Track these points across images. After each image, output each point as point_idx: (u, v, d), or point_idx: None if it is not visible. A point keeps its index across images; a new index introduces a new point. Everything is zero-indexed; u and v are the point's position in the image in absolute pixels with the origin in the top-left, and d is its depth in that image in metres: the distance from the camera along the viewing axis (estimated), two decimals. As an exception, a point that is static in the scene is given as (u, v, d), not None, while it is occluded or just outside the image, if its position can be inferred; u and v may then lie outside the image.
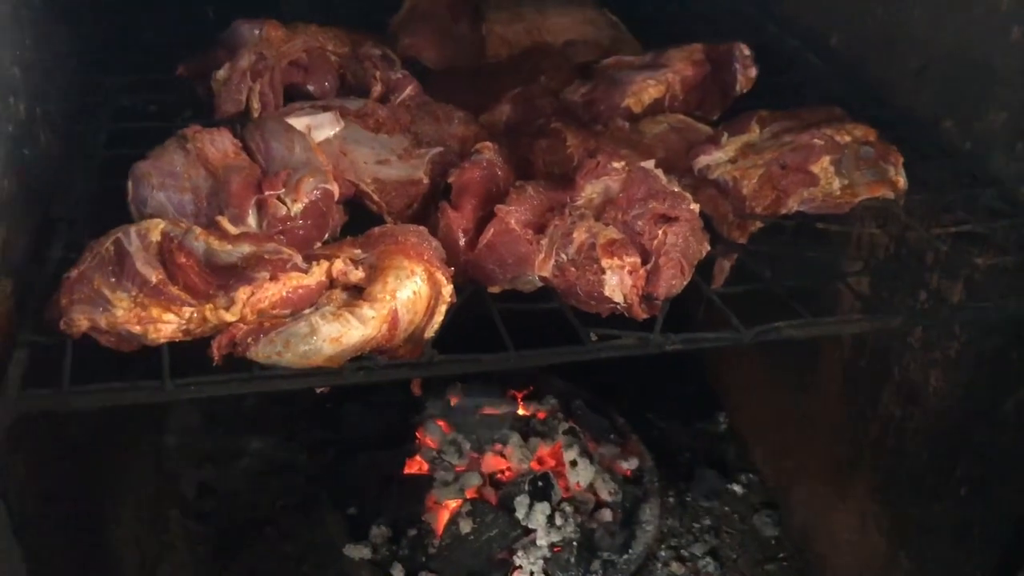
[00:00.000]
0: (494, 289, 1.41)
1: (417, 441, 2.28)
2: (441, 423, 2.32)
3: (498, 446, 2.25)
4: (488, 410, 2.36)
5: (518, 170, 1.59)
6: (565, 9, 2.11)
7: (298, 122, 1.60)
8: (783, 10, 2.32)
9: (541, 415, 2.38)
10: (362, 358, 1.23)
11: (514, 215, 1.38)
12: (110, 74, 1.95)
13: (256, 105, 1.77)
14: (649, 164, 1.47)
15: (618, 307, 1.36)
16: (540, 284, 1.41)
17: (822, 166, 1.60)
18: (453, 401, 2.37)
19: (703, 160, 1.66)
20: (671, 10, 2.43)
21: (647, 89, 1.79)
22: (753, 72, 1.93)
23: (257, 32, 1.81)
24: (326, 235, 1.45)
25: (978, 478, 1.78)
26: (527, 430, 2.32)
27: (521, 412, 2.39)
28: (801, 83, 2.12)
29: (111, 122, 1.79)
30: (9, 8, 1.52)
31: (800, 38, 2.25)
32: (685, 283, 1.38)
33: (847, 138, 1.64)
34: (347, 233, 1.52)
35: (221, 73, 1.77)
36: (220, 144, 1.47)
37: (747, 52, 1.93)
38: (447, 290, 1.26)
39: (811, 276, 1.63)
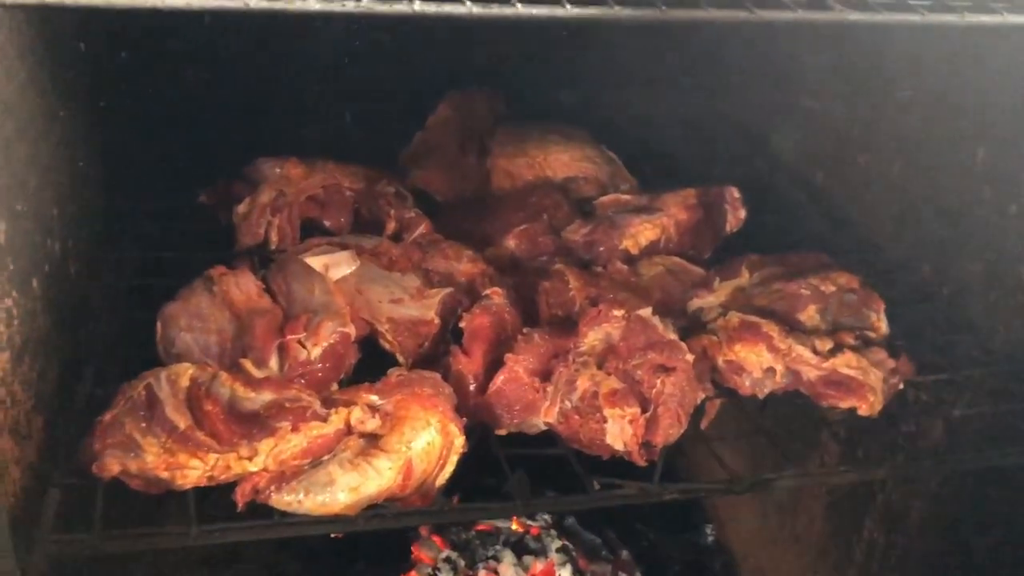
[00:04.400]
0: (501, 431, 1.49)
1: (413, 556, 2.32)
2: (436, 539, 2.36)
3: (492, 563, 2.30)
4: (483, 526, 2.40)
5: (523, 309, 1.68)
6: (566, 146, 2.23)
7: (317, 261, 1.69)
8: (772, 148, 2.46)
9: (534, 531, 2.43)
10: (376, 505, 1.30)
11: (522, 364, 1.46)
12: (132, 199, 2.04)
13: (275, 238, 1.87)
14: (647, 312, 1.56)
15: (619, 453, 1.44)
16: (545, 428, 1.49)
17: (808, 314, 1.70)
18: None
19: (696, 303, 1.76)
20: (665, 146, 2.56)
21: (644, 232, 1.91)
22: (742, 214, 2.05)
23: (278, 169, 1.92)
24: (342, 375, 1.53)
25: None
26: (521, 547, 2.37)
27: (515, 528, 2.43)
28: (788, 220, 2.24)
29: (133, 250, 1.88)
30: (51, 147, 1.62)
31: (789, 175, 2.38)
32: (682, 431, 1.46)
33: (832, 287, 1.74)
34: (359, 370, 1.61)
35: (242, 208, 1.87)
36: (244, 286, 1.56)
37: (736, 195, 2.05)
38: (459, 441, 1.34)
39: (797, 420, 1.71)
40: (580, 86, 2.68)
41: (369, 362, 1.62)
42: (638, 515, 2.75)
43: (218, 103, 2.29)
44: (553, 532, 2.42)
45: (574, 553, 2.38)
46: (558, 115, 2.44)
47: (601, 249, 1.88)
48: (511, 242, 1.93)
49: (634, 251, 1.89)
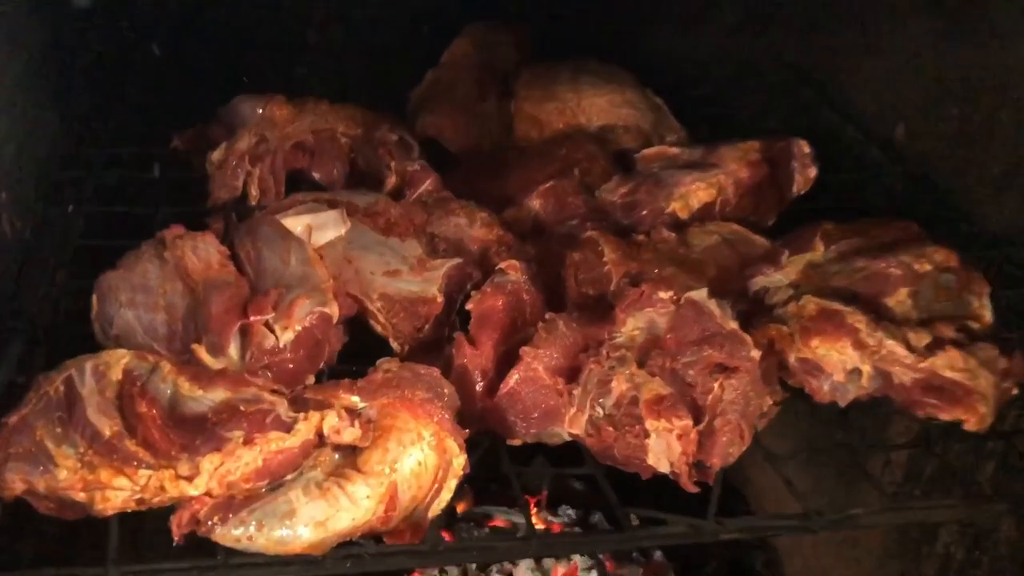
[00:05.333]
0: (514, 441, 1.19)
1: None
2: (445, 534, 2.09)
3: (507, 566, 2.02)
4: (498, 521, 2.13)
5: (547, 287, 1.38)
6: (603, 88, 1.90)
7: (298, 221, 1.39)
8: (843, 95, 2.11)
9: (556, 528, 2.15)
10: (351, 543, 1.01)
11: (542, 359, 1.16)
12: (96, 144, 1.75)
13: (255, 192, 1.57)
14: (702, 295, 1.25)
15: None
16: (569, 439, 1.19)
17: (898, 299, 1.38)
18: (460, 508, 2.14)
19: (760, 282, 1.44)
20: (719, 92, 2.23)
21: (696, 193, 1.58)
22: (813, 172, 1.72)
23: (260, 110, 1.62)
24: (321, 365, 1.24)
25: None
26: (541, 546, 2.09)
27: (535, 524, 2.16)
28: (861, 182, 1.91)
29: (91, 204, 1.59)
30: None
31: (862, 128, 2.04)
32: (744, 448, 1.16)
33: (927, 266, 1.41)
34: (352, 356, 1.32)
35: (216, 155, 1.58)
36: (204, 252, 1.27)
37: (807, 150, 1.72)
38: (459, 461, 1.05)
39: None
40: (616, 21, 2.34)
41: (364, 347, 1.33)
42: (671, 500, 2.46)
43: (201, 33, 1.98)
44: (578, 530, 2.14)
45: (601, 556, 2.09)
46: (593, 54, 2.10)
47: (644, 212, 1.56)
48: (535, 202, 1.61)
49: (683, 215, 1.57)
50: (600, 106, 1.87)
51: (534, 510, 2.18)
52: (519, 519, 2.16)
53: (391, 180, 1.56)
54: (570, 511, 2.21)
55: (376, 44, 2.10)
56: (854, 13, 2.05)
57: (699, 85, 2.31)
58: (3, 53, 1.44)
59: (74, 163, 1.68)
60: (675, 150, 1.74)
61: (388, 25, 2.12)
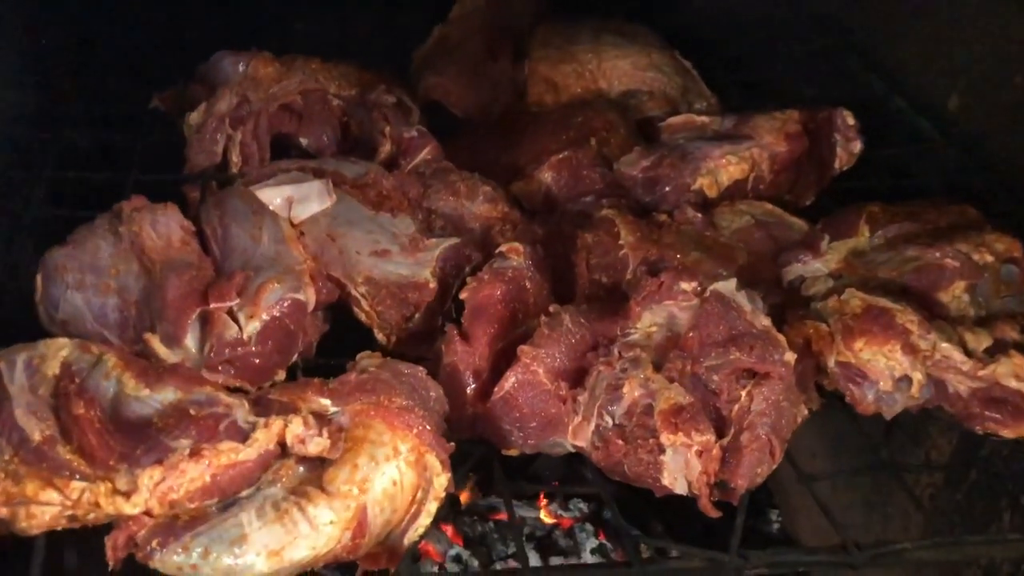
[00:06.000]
0: (510, 452, 1.05)
1: (418, 548, 1.92)
2: (447, 528, 1.96)
3: (512, 563, 1.89)
4: (504, 515, 1.99)
5: (555, 272, 1.22)
6: (626, 50, 1.73)
7: (277, 192, 1.24)
8: (890, 63, 1.92)
9: (566, 523, 2.01)
10: (312, 573, 0.87)
11: (543, 360, 1.01)
12: (68, 101, 1.60)
13: (236, 159, 1.42)
14: (730, 287, 1.09)
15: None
16: (572, 449, 1.04)
17: (954, 294, 1.21)
18: (463, 499, 2.01)
19: (797, 270, 1.28)
20: (753, 55, 2.04)
21: (727, 168, 1.42)
22: (857, 147, 1.55)
23: (243, 68, 1.46)
24: (293, 358, 1.10)
25: None
26: (548, 543, 1.95)
27: (543, 518, 2.02)
28: (910, 157, 1.73)
29: (55, 169, 1.45)
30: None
31: (910, 98, 1.85)
32: (774, 467, 1.00)
33: (987, 256, 1.24)
34: (329, 345, 1.18)
35: (194, 117, 1.42)
36: (163, 227, 1.13)
37: (851, 121, 1.54)
38: (440, 481, 0.90)
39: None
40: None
41: (348, 333, 1.19)
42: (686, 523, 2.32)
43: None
44: (589, 527, 2.00)
45: (613, 555, 1.96)
46: (614, 10, 1.92)
47: (667, 189, 1.40)
48: (546, 174, 1.46)
49: (712, 193, 1.40)
50: (623, 69, 1.70)
51: (543, 503, 2.04)
52: (527, 512, 2.02)
53: (385, 147, 1.41)
54: (581, 504, 2.07)
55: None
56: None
57: (730, 46, 2.12)
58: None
59: (42, 122, 1.53)
60: (704, 119, 1.57)
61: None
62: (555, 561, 1.93)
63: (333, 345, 1.20)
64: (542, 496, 2.08)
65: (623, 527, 0.96)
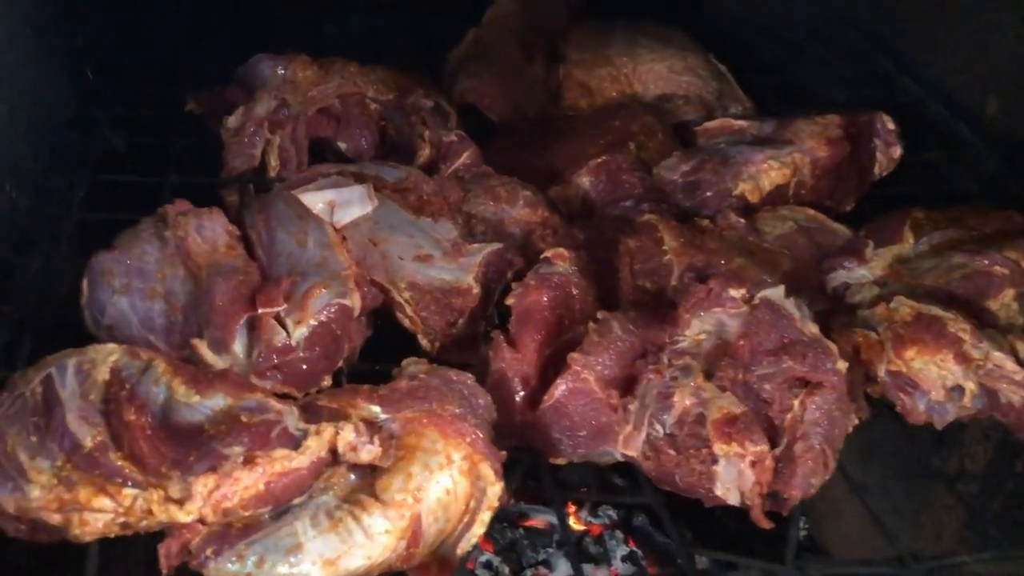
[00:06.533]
0: (558, 460, 1.04)
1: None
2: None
3: (543, 570, 1.88)
4: (534, 521, 1.98)
5: (597, 277, 1.21)
6: (661, 53, 1.72)
7: (319, 197, 1.24)
8: (926, 65, 1.90)
9: (596, 530, 1.99)
10: (368, 582, 0.86)
11: (593, 368, 1.00)
12: (104, 105, 1.60)
13: (274, 162, 1.42)
14: (778, 293, 1.08)
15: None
16: (621, 458, 1.03)
17: (1003, 302, 1.20)
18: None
19: (840, 277, 1.27)
20: (785, 58, 2.02)
21: (768, 173, 1.40)
22: (897, 151, 1.53)
23: (282, 71, 1.46)
24: (339, 364, 1.09)
25: None
26: (578, 550, 1.94)
27: (573, 524, 2.00)
28: (947, 162, 1.71)
29: (96, 171, 1.45)
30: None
31: (946, 102, 1.83)
32: (827, 477, 0.99)
33: (1036, 263, 1.23)
34: (370, 350, 1.17)
35: (232, 120, 1.42)
36: (209, 232, 1.12)
37: (891, 126, 1.53)
38: (494, 491, 0.89)
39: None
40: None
41: (383, 344, 1.18)
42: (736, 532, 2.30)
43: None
44: (619, 534, 1.99)
45: (643, 562, 1.94)
46: (647, 14, 1.91)
47: (708, 194, 1.39)
48: (584, 179, 1.44)
49: (753, 198, 1.39)
50: (658, 73, 1.69)
51: (572, 510, 2.03)
52: (556, 519, 2.01)
53: (425, 152, 1.40)
54: (611, 512, 2.06)
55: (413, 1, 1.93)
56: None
57: (761, 51, 2.11)
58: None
59: (79, 126, 1.53)
60: (742, 123, 1.55)
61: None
62: (587, 568, 1.92)
63: (374, 350, 1.20)
64: (570, 502, 2.07)
65: (678, 538, 0.95)
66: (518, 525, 1.98)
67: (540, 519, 2.00)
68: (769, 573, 0.92)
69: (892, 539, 0.95)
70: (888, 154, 1.53)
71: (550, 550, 1.93)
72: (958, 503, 1.50)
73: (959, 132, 1.75)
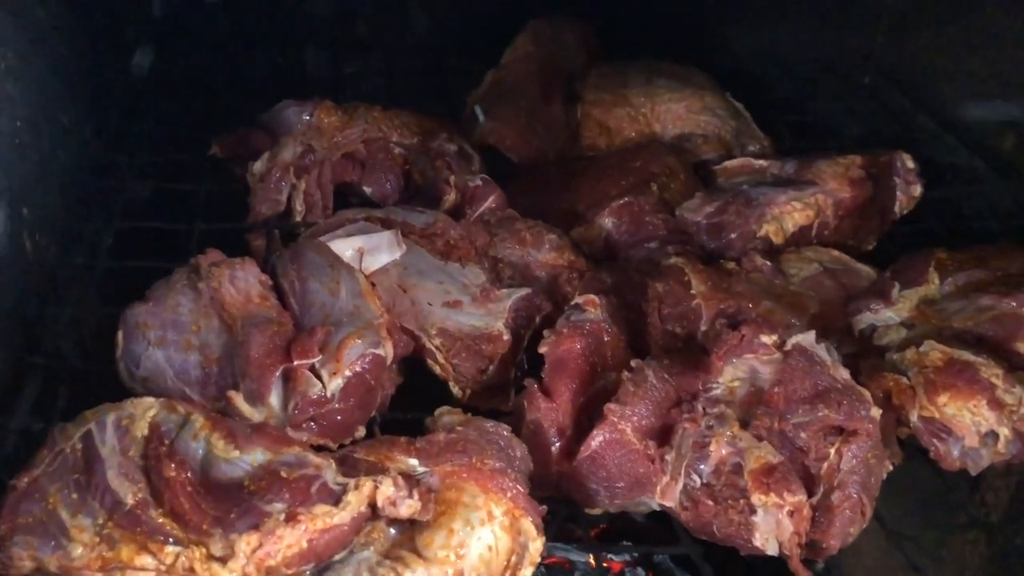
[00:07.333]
0: (594, 511, 1.04)
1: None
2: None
3: (565, 609, 1.87)
4: (552, 559, 1.97)
5: (627, 321, 1.22)
6: (679, 93, 1.73)
7: (349, 244, 1.25)
8: (941, 102, 1.91)
9: (616, 567, 1.98)
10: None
11: (630, 419, 1.00)
12: (128, 152, 1.62)
13: (299, 208, 1.43)
14: (810, 339, 1.08)
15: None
16: (657, 508, 1.03)
17: (1031, 344, 1.20)
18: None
19: (867, 319, 1.27)
20: (800, 95, 2.04)
21: (792, 214, 1.41)
22: (917, 190, 1.54)
23: (307, 118, 1.47)
24: (372, 413, 1.10)
25: None
26: (600, 587, 1.93)
27: (592, 561, 1.99)
28: (964, 198, 1.72)
29: (123, 218, 1.46)
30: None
31: (962, 138, 1.83)
32: (864, 525, 0.99)
33: (1065, 303, 1.23)
34: (399, 396, 1.17)
35: (258, 166, 1.43)
36: (242, 282, 1.13)
37: (911, 164, 1.54)
38: (535, 546, 0.89)
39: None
40: (687, 16, 2.16)
41: (413, 389, 1.19)
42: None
43: (242, 31, 1.84)
44: (640, 572, 1.97)
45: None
46: (662, 51, 1.93)
47: (733, 236, 1.39)
48: (607, 220, 1.45)
49: (777, 240, 1.40)
50: (677, 113, 1.70)
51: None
52: (577, 556, 2.00)
53: (450, 196, 1.41)
54: (630, 547, 2.05)
55: (431, 41, 1.94)
56: (953, 3, 1.85)
57: (776, 87, 2.13)
58: (23, 51, 1.30)
59: (105, 173, 1.55)
60: (762, 162, 1.56)
61: (444, 19, 1.96)
62: (608, 606, 1.90)
63: (402, 396, 1.20)
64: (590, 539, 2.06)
65: (716, 591, 0.95)
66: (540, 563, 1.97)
67: (561, 557, 1.99)
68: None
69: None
70: (909, 192, 1.53)
71: (572, 588, 1.92)
72: (980, 536, 1.50)
73: (976, 168, 1.76)
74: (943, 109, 1.90)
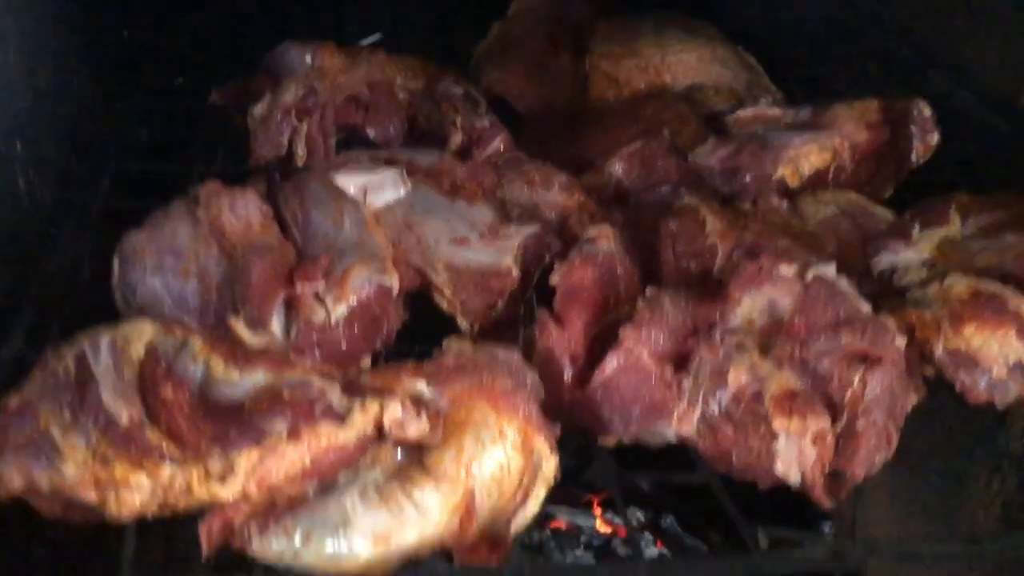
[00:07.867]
0: (608, 441, 1.00)
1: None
2: (503, 538, 1.90)
3: (571, 573, 1.83)
4: (559, 522, 1.93)
5: (640, 258, 1.18)
6: (690, 44, 1.69)
7: (352, 181, 1.21)
8: (954, 57, 1.87)
9: (623, 532, 1.95)
10: (415, 562, 0.82)
11: (646, 343, 0.97)
12: (127, 96, 1.58)
13: (301, 152, 1.39)
14: (831, 271, 1.05)
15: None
16: (673, 439, 0.99)
17: (1053, 281, 1.16)
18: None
19: (887, 260, 1.23)
20: (808, 54, 2.00)
21: (808, 156, 1.37)
22: (934, 139, 1.50)
23: (309, 58, 1.43)
24: (377, 345, 1.06)
25: None
26: (607, 552, 1.89)
27: (599, 526, 1.96)
28: (980, 153, 1.68)
29: (120, 160, 1.42)
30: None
31: (976, 92, 1.80)
32: (890, 455, 0.95)
33: (1091, 243, 1.19)
34: (403, 339, 1.14)
35: (260, 108, 1.39)
36: (243, 211, 1.09)
37: (927, 113, 1.50)
38: (549, 465, 0.85)
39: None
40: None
41: (419, 327, 1.15)
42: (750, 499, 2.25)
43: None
44: (648, 535, 1.94)
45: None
46: (671, 7, 1.89)
47: (747, 179, 1.36)
48: (618, 166, 1.41)
49: (793, 183, 1.36)
50: (688, 63, 1.67)
51: (598, 511, 1.98)
52: (584, 521, 1.96)
53: (456, 138, 1.37)
54: (638, 513, 2.01)
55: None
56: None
57: (784, 46, 2.08)
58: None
59: (103, 118, 1.51)
60: (776, 111, 1.52)
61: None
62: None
63: (409, 333, 1.16)
64: (596, 504, 2.03)
65: (738, 517, 0.91)
66: (545, 526, 1.93)
67: (568, 521, 1.95)
68: (836, 554, 0.87)
69: (953, 516, 0.91)
70: (925, 141, 1.49)
71: (578, 552, 1.88)
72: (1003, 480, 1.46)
73: (992, 122, 1.73)
74: (955, 66, 1.87)
